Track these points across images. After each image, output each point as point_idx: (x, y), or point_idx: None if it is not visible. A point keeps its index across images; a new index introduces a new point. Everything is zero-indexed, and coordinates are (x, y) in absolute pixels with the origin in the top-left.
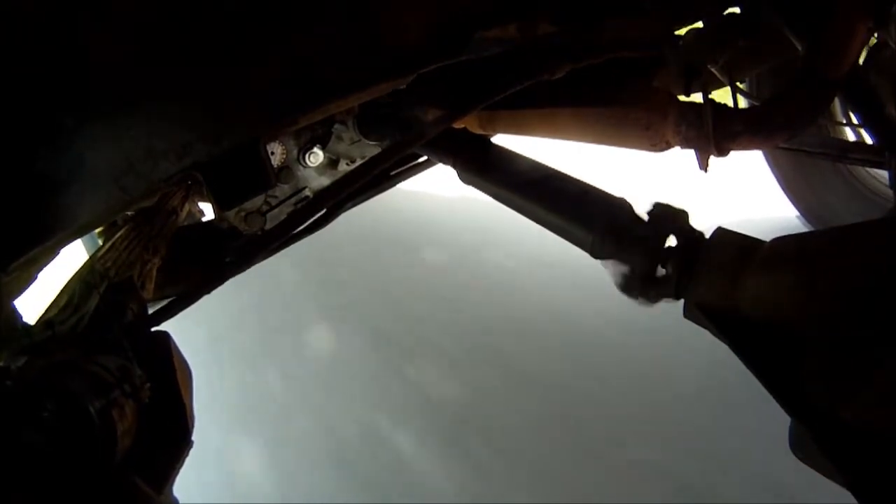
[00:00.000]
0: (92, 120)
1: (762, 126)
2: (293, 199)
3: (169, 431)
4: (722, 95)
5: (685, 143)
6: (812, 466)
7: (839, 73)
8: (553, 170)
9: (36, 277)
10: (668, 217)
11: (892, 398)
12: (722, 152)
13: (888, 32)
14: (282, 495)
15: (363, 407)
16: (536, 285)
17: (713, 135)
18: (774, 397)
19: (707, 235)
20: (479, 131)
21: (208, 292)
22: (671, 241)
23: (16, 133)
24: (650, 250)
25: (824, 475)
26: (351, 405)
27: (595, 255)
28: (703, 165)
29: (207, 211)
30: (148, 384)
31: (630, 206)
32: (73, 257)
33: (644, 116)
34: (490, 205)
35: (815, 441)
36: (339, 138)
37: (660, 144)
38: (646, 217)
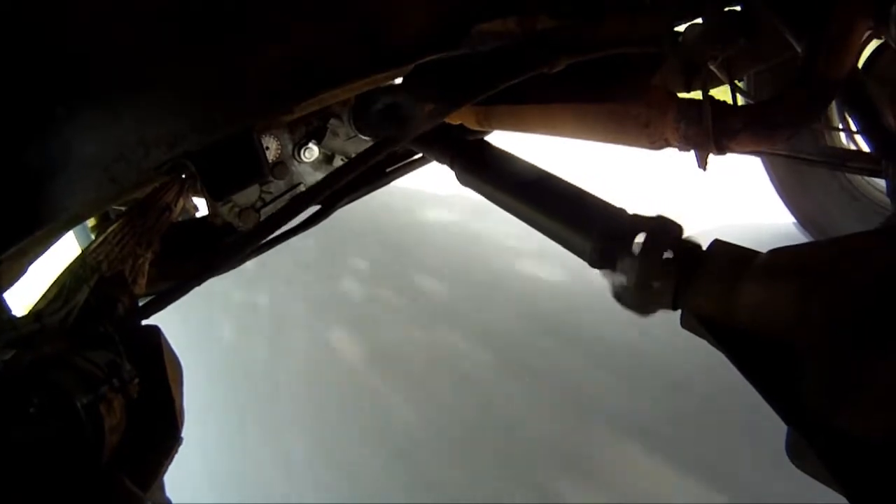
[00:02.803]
0: (83, 109)
1: (762, 124)
2: (288, 195)
3: (158, 428)
4: (721, 94)
5: (684, 141)
6: (809, 474)
7: (839, 73)
8: (552, 176)
9: (27, 270)
10: (666, 227)
11: (888, 406)
12: (721, 150)
13: (888, 33)
14: None
15: (354, 407)
16: (534, 284)
17: (712, 132)
18: (771, 406)
19: (704, 247)
20: (477, 126)
21: (198, 285)
22: (668, 252)
23: (5, 122)
24: (647, 260)
25: (822, 482)
26: (342, 403)
27: (593, 265)
28: (703, 164)
29: (201, 207)
30: (137, 379)
31: (628, 216)
32: (66, 251)
33: (643, 113)
34: (487, 204)
35: (813, 449)
36: (335, 134)
37: (658, 142)
38: (643, 228)
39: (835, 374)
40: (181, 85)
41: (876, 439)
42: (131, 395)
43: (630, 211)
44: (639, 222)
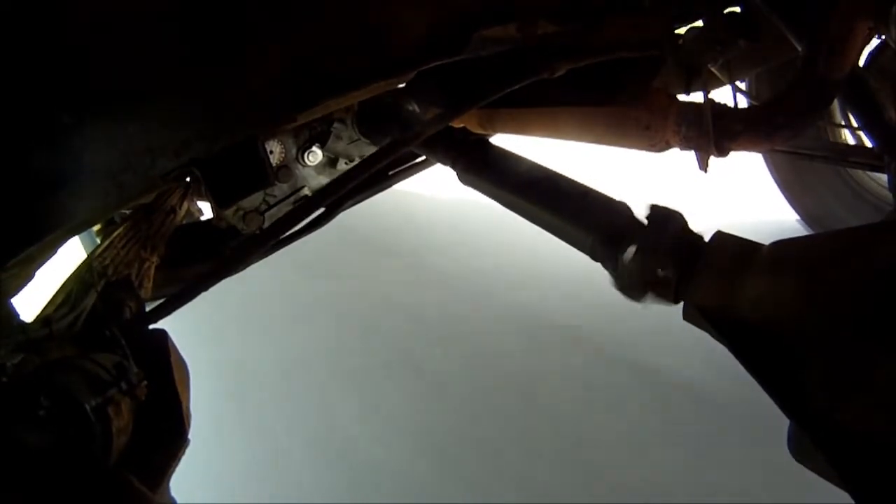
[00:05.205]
0: (90, 117)
1: (762, 126)
2: (292, 199)
3: (165, 430)
4: (722, 95)
5: (685, 143)
6: (811, 469)
7: (840, 73)
8: (553, 172)
9: (34, 275)
10: (668, 220)
11: (890, 401)
12: (722, 152)
13: (888, 32)
14: None
15: (352, 414)
16: (531, 285)
17: (713, 134)
18: (774, 400)
19: (706, 238)
20: (479, 130)
21: (205, 290)
22: (670, 245)
23: (13, 130)
24: (649, 253)
25: (823, 477)
26: (343, 406)
27: (594, 258)
28: (703, 165)
29: (206, 210)
30: (145, 382)
31: (630, 209)
32: (71, 255)
33: (644, 116)
34: (486, 206)
35: (815, 444)
36: (338, 137)
37: (659, 144)
38: (645, 220)
39: (836, 369)
40: (184, 92)
41: (878, 435)
42: (139, 398)
43: (631, 205)
44: (640, 214)
